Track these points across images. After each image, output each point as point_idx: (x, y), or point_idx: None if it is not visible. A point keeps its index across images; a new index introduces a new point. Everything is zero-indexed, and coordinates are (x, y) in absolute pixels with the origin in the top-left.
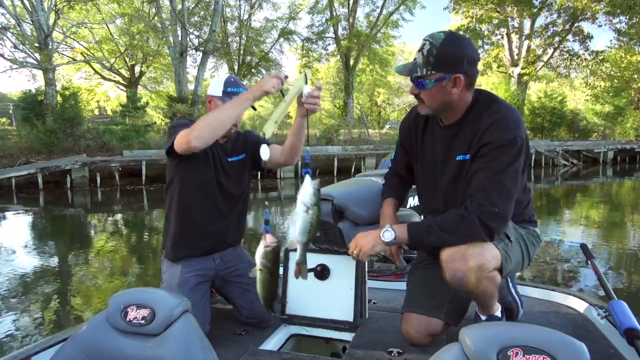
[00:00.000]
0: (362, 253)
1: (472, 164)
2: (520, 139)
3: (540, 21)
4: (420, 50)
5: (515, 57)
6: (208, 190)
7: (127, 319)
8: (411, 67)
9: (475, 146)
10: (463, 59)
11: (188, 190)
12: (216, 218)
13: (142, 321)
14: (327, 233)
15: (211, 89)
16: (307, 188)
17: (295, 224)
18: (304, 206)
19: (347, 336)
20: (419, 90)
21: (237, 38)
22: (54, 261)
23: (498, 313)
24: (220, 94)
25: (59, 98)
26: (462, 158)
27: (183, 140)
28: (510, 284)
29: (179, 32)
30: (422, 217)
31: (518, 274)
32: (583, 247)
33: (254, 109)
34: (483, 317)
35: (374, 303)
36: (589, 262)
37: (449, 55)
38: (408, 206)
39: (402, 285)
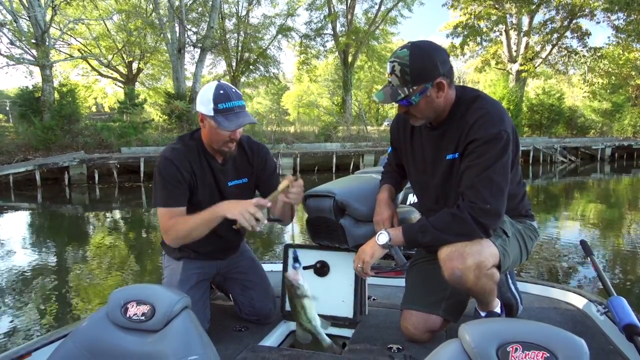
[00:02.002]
0: (365, 264)
1: (461, 162)
2: (505, 132)
3: (539, 18)
4: (392, 72)
5: (514, 54)
6: None
7: (127, 315)
8: (392, 93)
9: (463, 144)
10: (436, 63)
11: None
12: (221, 241)
13: (142, 317)
14: (329, 230)
15: (200, 105)
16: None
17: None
18: (305, 298)
19: (347, 332)
20: (407, 108)
21: (235, 34)
22: (53, 258)
23: (497, 309)
24: (211, 112)
25: (56, 95)
26: (451, 157)
27: (162, 230)
28: (510, 281)
29: (177, 29)
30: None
31: (516, 270)
32: (582, 243)
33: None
34: (482, 314)
35: (373, 299)
36: (589, 258)
37: (423, 67)
38: (408, 203)
39: (401, 282)
